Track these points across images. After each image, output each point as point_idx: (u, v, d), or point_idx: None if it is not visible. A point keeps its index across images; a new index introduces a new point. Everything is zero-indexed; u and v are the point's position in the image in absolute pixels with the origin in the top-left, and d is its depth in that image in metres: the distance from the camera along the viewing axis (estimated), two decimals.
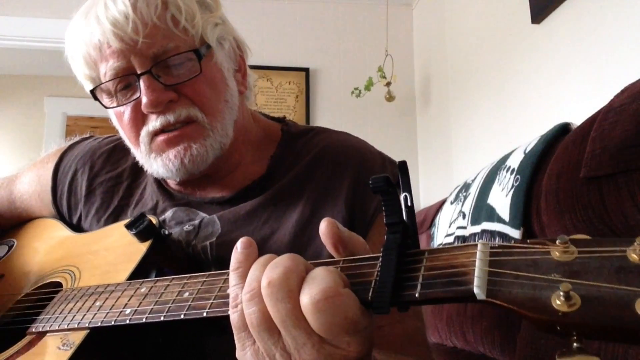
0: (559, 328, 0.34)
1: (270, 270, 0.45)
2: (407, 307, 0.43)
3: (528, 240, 0.39)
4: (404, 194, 0.47)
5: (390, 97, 2.81)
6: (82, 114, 4.75)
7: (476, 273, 0.39)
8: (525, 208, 1.01)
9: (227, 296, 0.50)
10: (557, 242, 0.37)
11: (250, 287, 0.47)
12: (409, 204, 0.47)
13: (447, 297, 0.40)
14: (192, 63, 0.77)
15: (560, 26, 1.76)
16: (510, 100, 2.08)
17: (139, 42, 0.73)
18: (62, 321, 0.68)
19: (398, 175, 0.48)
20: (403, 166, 0.48)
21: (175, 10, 0.76)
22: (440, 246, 1.42)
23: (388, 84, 2.80)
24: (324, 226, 0.48)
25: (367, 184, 0.46)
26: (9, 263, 0.93)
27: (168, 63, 0.76)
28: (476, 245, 0.41)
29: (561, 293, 0.34)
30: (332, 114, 3.02)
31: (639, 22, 1.41)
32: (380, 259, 0.44)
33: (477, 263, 0.40)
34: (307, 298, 0.42)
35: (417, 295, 0.41)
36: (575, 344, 0.34)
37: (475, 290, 0.38)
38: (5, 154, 4.41)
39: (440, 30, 2.79)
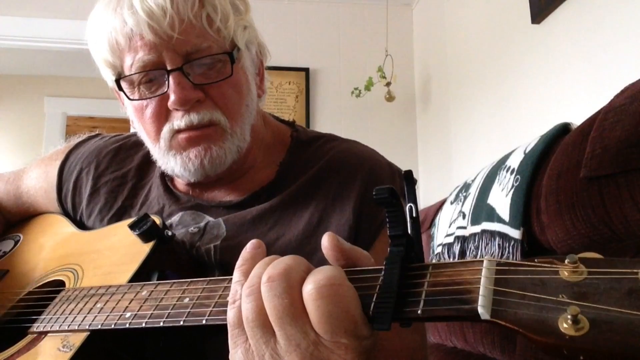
0: (565, 352, 0.33)
1: (271, 267, 0.45)
2: (409, 323, 0.42)
3: (536, 259, 0.38)
4: (409, 204, 0.46)
5: (390, 97, 2.81)
6: (82, 114, 4.76)
7: (481, 291, 0.38)
8: (525, 208, 1.01)
9: (227, 304, 0.49)
10: (566, 261, 0.36)
11: (250, 282, 0.47)
12: (414, 214, 0.46)
13: (451, 316, 0.39)
14: (223, 65, 0.77)
15: (560, 26, 1.76)
16: (510, 100, 2.08)
17: (173, 38, 0.73)
18: (63, 322, 0.68)
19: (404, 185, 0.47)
20: (409, 176, 0.47)
21: (211, 9, 0.75)
22: (440, 245, 1.42)
23: (388, 84, 2.80)
24: (325, 240, 0.47)
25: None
26: (14, 258, 0.93)
27: (198, 62, 0.76)
28: (482, 261, 0.40)
29: (569, 316, 0.33)
30: (332, 114, 3.02)
31: (639, 22, 1.41)
32: (383, 272, 0.43)
33: (483, 281, 0.39)
34: (311, 285, 0.42)
35: (419, 312, 0.40)
36: None
37: (480, 309, 0.37)
38: (5, 154, 4.41)
39: (440, 30, 2.78)
